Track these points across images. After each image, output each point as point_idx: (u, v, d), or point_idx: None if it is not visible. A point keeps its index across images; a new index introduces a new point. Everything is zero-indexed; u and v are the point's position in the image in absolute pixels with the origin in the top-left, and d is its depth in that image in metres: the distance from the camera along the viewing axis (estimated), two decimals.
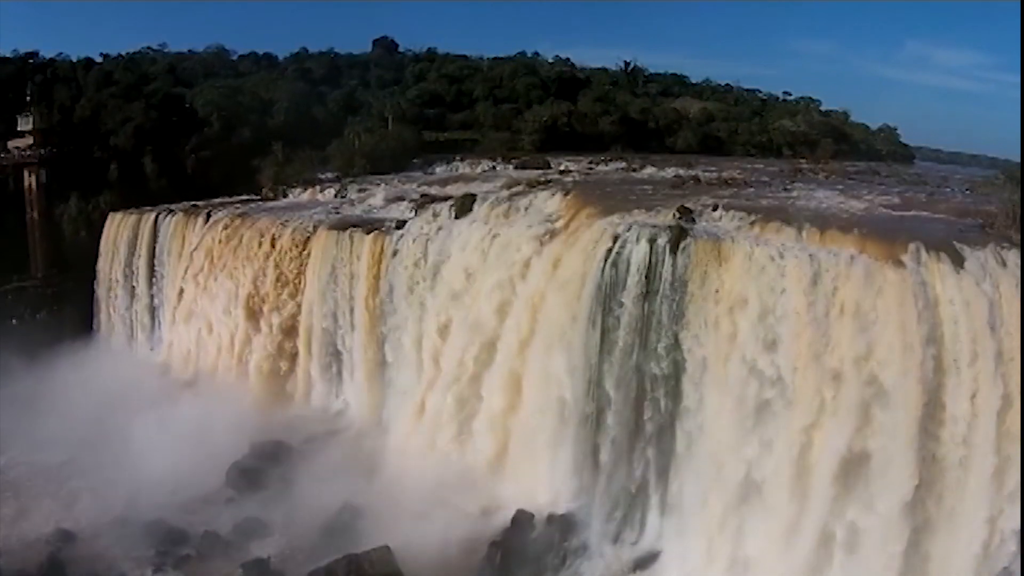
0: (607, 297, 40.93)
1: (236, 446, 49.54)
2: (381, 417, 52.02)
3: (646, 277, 40.17)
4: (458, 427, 46.94)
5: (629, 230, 41.83)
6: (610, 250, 41.30)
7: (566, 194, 50.81)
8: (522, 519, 42.18)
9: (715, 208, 44.11)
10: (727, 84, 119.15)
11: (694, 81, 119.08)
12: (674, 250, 39.80)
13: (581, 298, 41.50)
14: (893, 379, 34.56)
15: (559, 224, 47.04)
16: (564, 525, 41.85)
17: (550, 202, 50.33)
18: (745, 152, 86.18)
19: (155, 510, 44.19)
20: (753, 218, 42.08)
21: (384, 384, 52.24)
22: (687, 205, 44.51)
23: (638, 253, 40.54)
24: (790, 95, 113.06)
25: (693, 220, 42.85)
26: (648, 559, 40.66)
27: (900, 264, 35.58)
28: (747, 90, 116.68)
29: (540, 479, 43.40)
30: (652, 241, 40.46)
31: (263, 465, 48.73)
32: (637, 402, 40.76)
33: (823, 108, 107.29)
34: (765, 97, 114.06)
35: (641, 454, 40.98)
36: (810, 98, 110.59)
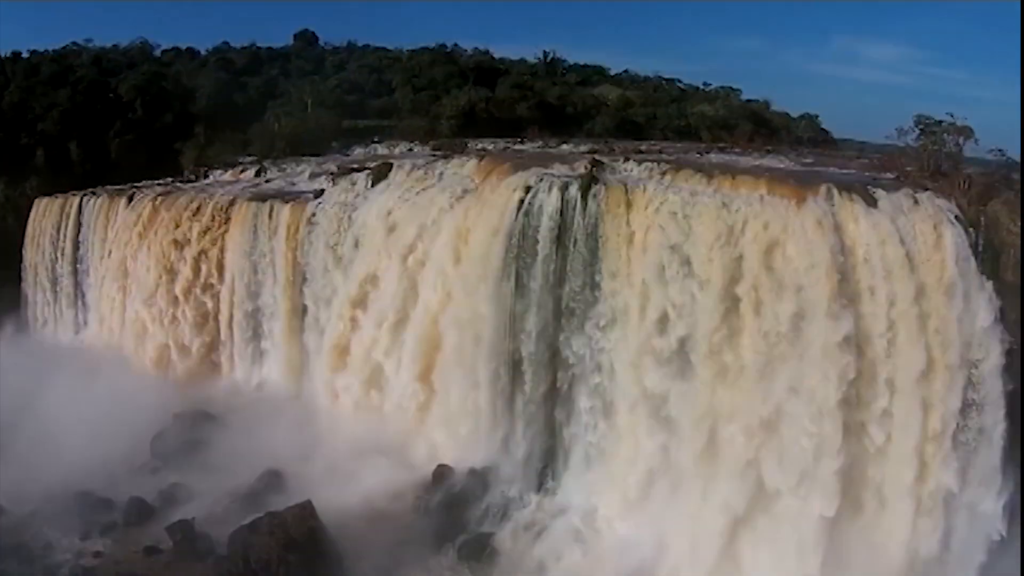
0: (520, 247, 40.42)
1: (161, 420, 48.81)
2: (303, 383, 51.36)
3: (559, 225, 39.79)
4: (379, 388, 46.68)
5: (541, 181, 41.27)
6: (523, 200, 40.77)
7: (480, 159, 50.20)
8: (444, 473, 41.82)
9: (626, 159, 43.94)
10: (647, 76, 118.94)
11: (614, 72, 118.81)
12: (585, 197, 39.50)
13: (495, 250, 40.94)
14: (809, 318, 34.83)
15: (473, 184, 46.59)
16: (485, 477, 41.56)
17: (465, 167, 49.68)
18: (663, 136, 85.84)
19: (81, 482, 43.34)
20: (664, 168, 41.78)
21: (305, 351, 51.50)
22: (599, 159, 44.20)
23: (550, 202, 40.02)
24: (710, 85, 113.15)
25: (604, 170, 42.50)
26: (570, 506, 40.55)
27: (812, 204, 35.69)
28: (667, 79, 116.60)
29: (461, 433, 42.94)
30: (564, 189, 40.04)
31: (188, 435, 47.72)
32: (553, 352, 40.51)
33: (744, 97, 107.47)
34: (684, 87, 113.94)
35: (560, 402, 40.80)
36: (730, 87, 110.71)
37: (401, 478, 42.72)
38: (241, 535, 37.61)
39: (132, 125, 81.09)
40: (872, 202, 36.12)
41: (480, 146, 63.64)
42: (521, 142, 67.67)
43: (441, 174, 49.57)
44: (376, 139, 76.50)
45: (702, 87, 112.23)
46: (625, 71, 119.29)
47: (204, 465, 45.15)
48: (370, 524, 39.80)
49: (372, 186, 50.99)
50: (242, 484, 43.08)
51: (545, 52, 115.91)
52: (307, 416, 48.31)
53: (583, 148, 58.44)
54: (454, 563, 39.56)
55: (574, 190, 39.91)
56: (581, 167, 42.88)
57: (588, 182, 40.08)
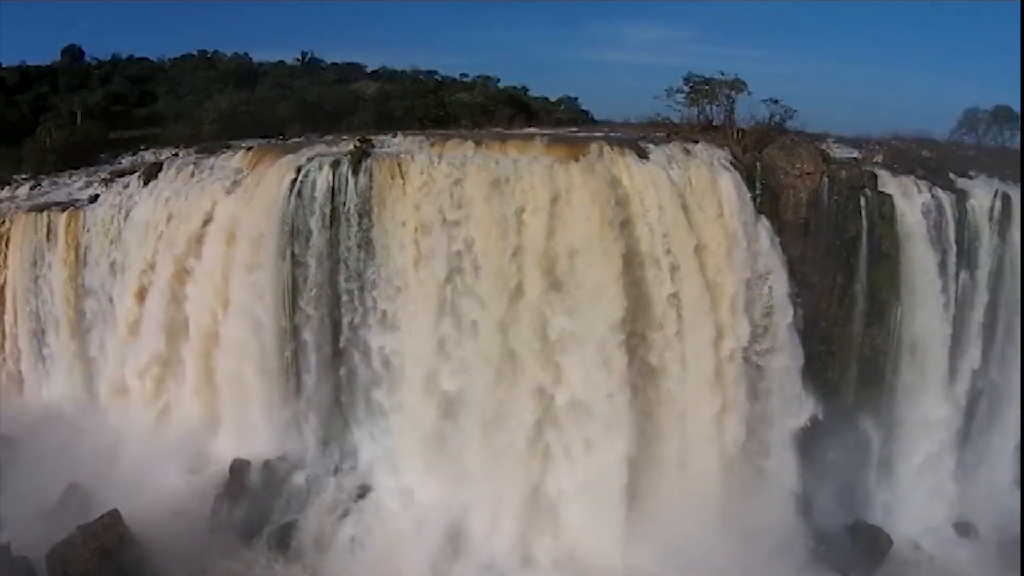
0: (295, 228, 39.99)
1: None
2: (93, 393, 49.27)
3: (332, 202, 39.45)
4: (167, 393, 45.43)
5: (311, 161, 40.91)
6: (294, 181, 40.25)
7: (249, 151, 49.28)
8: (240, 467, 40.99)
9: (395, 135, 44.00)
10: (403, 70, 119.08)
11: (372, 69, 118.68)
12: (356, 172, 39.30)
13: (271, 233, 40.25)
14: (590, 272, 35.72)
15: (244, 173, 45.58)
16: (282, 465, 41.16)
17: (234, 159, 48.53)
18: (422, 126, 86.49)
19: None
20: (432, 139, 41.87)
21: (91, 359, 49.56)
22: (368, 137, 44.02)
23: (321, 179, 39.70)
24: (467, 75, 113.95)
25: (373, 146, 42.31)
26: (369, 484, 40.51)
27: (584, 161, 36.38)
28: (425, 72, 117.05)
29: (252, 426, 42.25)
30: (335, 166, 39.79)
31: None
32: (335, 332, 40.36)
33: (501, 85, 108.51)
34: (442, 79, 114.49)
35: (344, 384, 40.70)
36: (487, 76, 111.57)
37: (200, 476, 41.98)
38: (58, 552, 37.06)
39: None
40: (644, 155, 37.08)
41: (244, 146, 63.10)
42: (283, 139, 67.11)
43: (211, 167, 48.26)
44: (143, 147, 74.59)
45: (459, 78, 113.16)
46: (383, 67, 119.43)
47: (4, 488, 43.32)
48: (176, 524, 39.25)
49: (144, 185, 49.36)
50: (46, 502, 41.78)
51: (303, 52, 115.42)
52: (101, 426, 46.64)
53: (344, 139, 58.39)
54: (264, 554, 39.27)
55: (345, 167, 39.64)
56: (350, 145, 42.57)
57: (359, 157, 39.84)
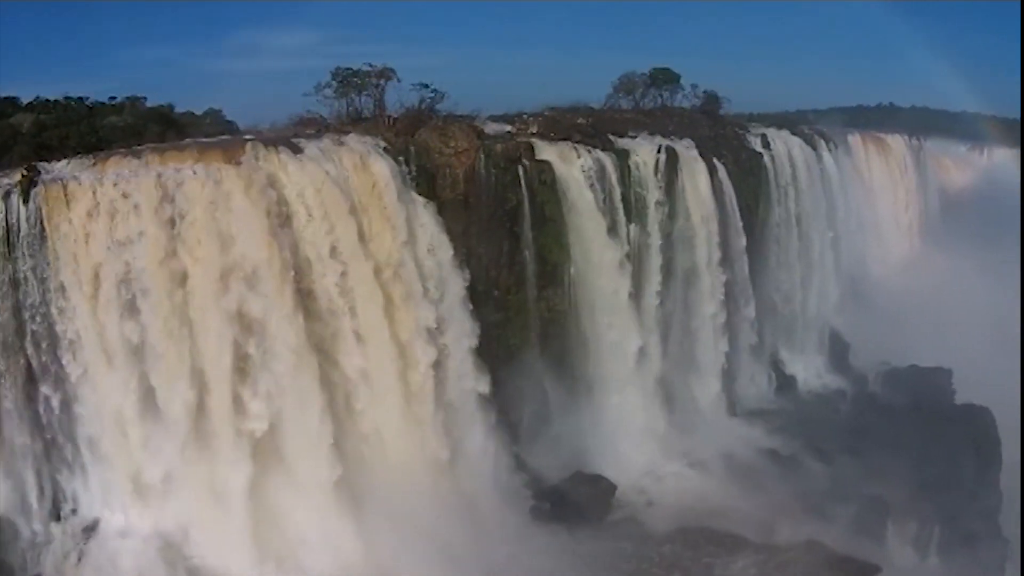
0: None
1: None
2: None
3: (6, 232, 38.71)
4: None
5: None
6: None
7: None
8: None
9: (60, 160, 43.65)
10: (56, 99, 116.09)
11: (27, 101, 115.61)
12: (26, 200, 38.79)
13: None
14: (261, 269, 36.02)
15: None
16: (8, 521, 38.47)
17: None
18: (75, 152, 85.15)
19: None
20: (94, 159, 41.56)
21: None
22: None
23: None
24: (116, 98, 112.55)
25: (39, 172, 41.55)
26: (92, 522, 38.71)
27: (240, 163, 36.79)
28: (77, 99, 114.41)
29: None
30: (5, 197, 39.23)
31: None
32: (29, 376, 37.43)
33: (149, 104, 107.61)
34: (92, 105, 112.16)
35: (46, 424, 38.04)
36: (135, 96, 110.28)
37: None
38: None
39: None
40: (298, 151, 38.01)
41: None
42: None
43: None
44: None
45: (108, 101, 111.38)
46: (37, 98, 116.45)
47: None
48: None
49: None
50: None
51: None
52: None
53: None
54: None
55: (15, 197, 39.25)
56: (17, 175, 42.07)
57: (27, 185, 39.49)
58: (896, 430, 54.97)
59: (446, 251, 40.47)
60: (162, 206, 36.19)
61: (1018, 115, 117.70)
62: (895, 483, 49.23)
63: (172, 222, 35.96)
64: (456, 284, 40.72)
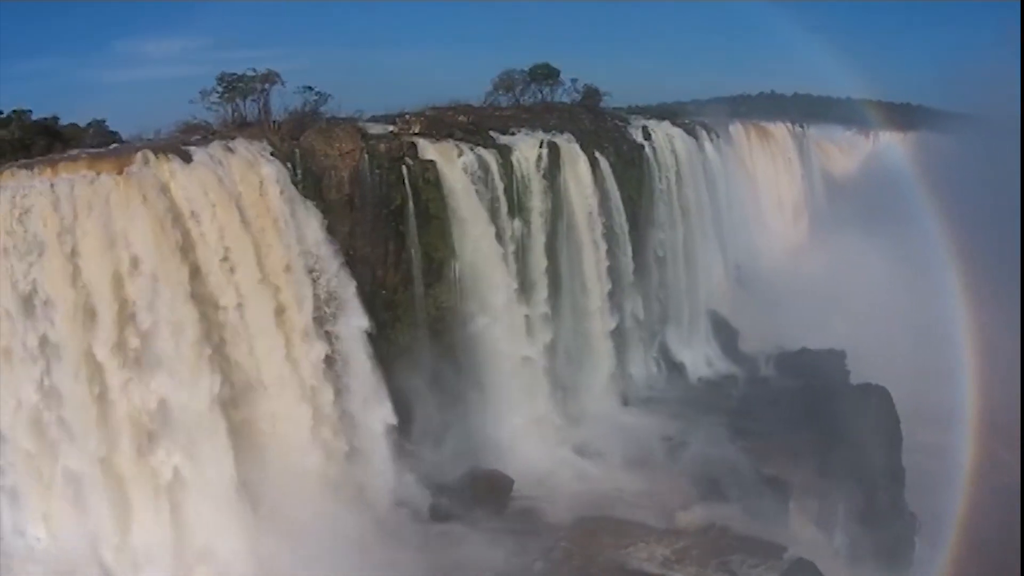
0: None
1: None
2: None
3: None
4: None
5: None
6: None
7: None
8: None
9: None
10: None
11: None
12: None
13: None
14: (160, 273, 35.89)
15: None
16: None
17: None
18: None
19: None
20: None
21: None
22: None
23: None
24: (2, 112, 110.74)
25: None
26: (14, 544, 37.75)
27: (130, 171, 36.63)
28: None
29: None
30: None
31: None
32: None
33: (35, 117, 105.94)
34: None
35: None
36: (21, 110, 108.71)
37: None
38: None
39: None
40: (188, 158, 37.95)
41: None
42: None
43: None
44: None
45: None
46: None
47: None
48: None
49: None
50: None
51: None
52: None
53: None
54: None
55: None
56: None
57: None
58: (791, 412, 55.80)
59: (333, 252, 40.80)
60: (56, 215, 35.69)
61: (903, 99, 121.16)
62: (794, 464, 50.47)
63: (68, 232, 35.71)
64: (344, 284, 41.01)
